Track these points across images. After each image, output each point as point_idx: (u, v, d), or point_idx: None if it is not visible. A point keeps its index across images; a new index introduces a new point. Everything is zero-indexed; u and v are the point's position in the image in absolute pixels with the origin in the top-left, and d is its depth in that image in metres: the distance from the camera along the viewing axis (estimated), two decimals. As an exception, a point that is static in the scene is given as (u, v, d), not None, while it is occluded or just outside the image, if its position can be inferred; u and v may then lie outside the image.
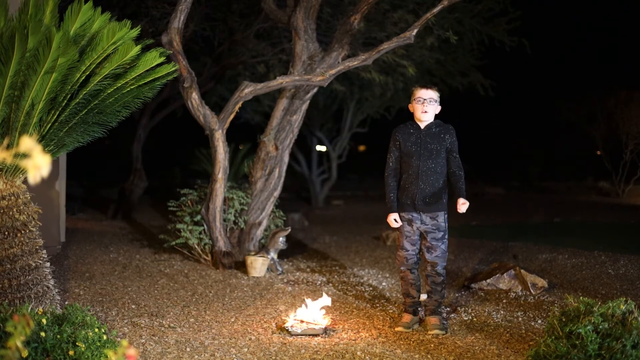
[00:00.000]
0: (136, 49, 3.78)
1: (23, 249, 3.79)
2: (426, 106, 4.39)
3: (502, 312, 4.87)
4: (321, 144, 14.85)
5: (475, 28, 9.85)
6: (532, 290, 5.34)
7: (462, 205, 4.29)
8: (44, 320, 2.81)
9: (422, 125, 4.45)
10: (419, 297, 4.56)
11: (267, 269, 6.20)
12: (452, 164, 4.42)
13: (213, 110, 6.34)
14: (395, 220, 4.43)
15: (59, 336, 2.79)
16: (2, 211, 3.73)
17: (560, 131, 20.18)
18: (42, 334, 2.75)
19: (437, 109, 4.46)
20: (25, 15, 3.58)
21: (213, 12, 9.37)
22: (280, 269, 6.21)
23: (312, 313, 4.41)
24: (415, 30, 5.88)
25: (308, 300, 4.53)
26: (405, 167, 4.44)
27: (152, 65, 3.97)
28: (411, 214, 4.41)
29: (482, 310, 4.91)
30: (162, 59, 4.00)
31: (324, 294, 4.61)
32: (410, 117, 4.54)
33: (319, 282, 5.89)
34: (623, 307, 3.04)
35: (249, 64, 10.29)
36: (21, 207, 3.83)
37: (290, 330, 4.24)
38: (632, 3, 16.75)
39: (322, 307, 4.50)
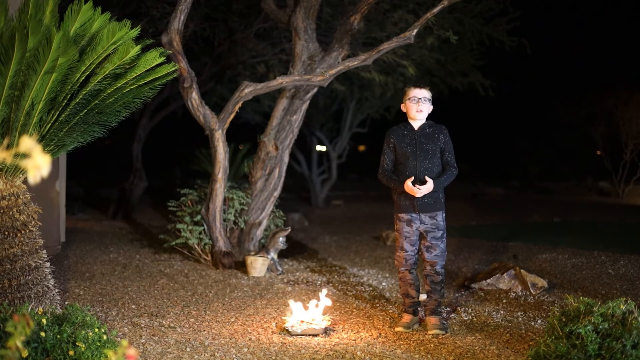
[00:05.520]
0: (136, 49, 3.78)
1: (23, 249, 3.79)
2: (421, 105, 4.40)
3: (502, 312, 4.87)
4: (321, 144, 14.84)
5: (475, 28, 9.85)
6: (532, 290, 5.34)
7: (423, 185, 4.25)
8: (44, 320, 2.81)
9: (416, 126, 4.45)
10: (418, 297, 4.56)
11: (267, 269, 6.20)
12: (446, 162, 4.42)
13: (213, 110, 6.33)
14: (410, 182, 4.29)
15: (59, 336, 2.79)
16: (2, 211, 3.73)
17: (560, 131, 20.19)
18: (42, 334, 2.75)
19: (430, 108, 4.47)
20: (25, 15, 3.58)
21: (213, 12, 9.37)
22: (280, 269, 6.21)
23: (312, 313, 4.40)
24: (415, 30, 5.88)
25: (297, 305, 4.49)
26: (401, 168, 4.43)
27: (152, 65, 3.97)
28: (410, 214, 4.41)
29: (482, 310, 4.91)
30: (162, 59, 4.01)
31: (322, 295, 4.57)
32: (405, 117, 4.54)
33: (319, 282, 5.89)
34: (623, 307, 3.04)
35: (249, 64, 10.29)
36: (21, 207, 3.83)
37: (290, 330, 4.23)
38: (631, 3, 16.75)
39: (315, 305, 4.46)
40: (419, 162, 4.37)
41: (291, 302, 4.48)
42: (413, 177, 4.32)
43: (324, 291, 4.57)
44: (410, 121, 4.48)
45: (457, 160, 4.55)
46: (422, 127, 4.45)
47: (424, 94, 4.41)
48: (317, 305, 4.43)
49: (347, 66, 6.09)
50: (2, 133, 3.68)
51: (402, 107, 4.53)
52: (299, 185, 16.41)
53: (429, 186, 4.27)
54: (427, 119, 4.52)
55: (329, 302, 4.49)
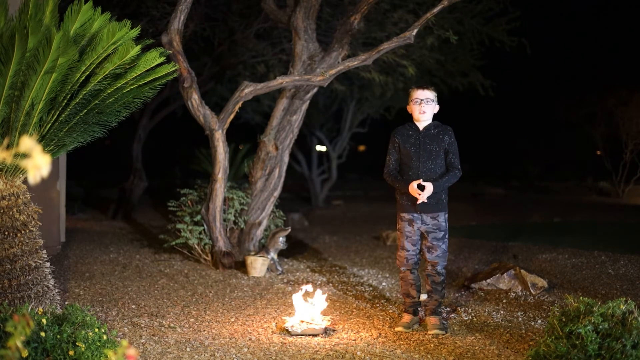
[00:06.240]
0: (136, 49, 3.78)
1: (23, 249, 3.79)
2: (423, 106, 4.40)
3: (502, 312, 4.87)
4: (321, 144, 14.85)
5: (475, 28, 9.85)
6: (532, 290, 5.34)
7: (424, 191, 4.25)
8: (44, 320, 2.81)
9: (421, 127, 4.45)
10: (418, 297, 4.56)
11: (267, 269, 6.20)
12: (449, 163, 4.42)
13: (213, 110, 6.33)
14: (416, 185, 4.30)
15: (59, 336, 2.79)
16: (2, 211, 3.73)
17: (560, 131, 20.19)
18: (42, 334, 2.75)
19: (435, 108, 4.47)
20: (25, 15, 3.58)
21: (213, 12, 9.37)
22: (280, 269, 6.20)
23: (312, 313, 4.41)
24: (415, 30, 5.88)
25: (299, 300, 4.50)
26: (405, 168, 4.44)
27: (152, 65, 3.97)
28: (412, 214, 4.41)
29: (482, 310, 4.91)
30: (162, 59, 4.00)
31: (318, 292, 4.58)
32: (410, 117, 4.55)
33: (319, 282, 5.89)
34: (623, 307, 3.04)
35: (249, 64, 10.29)
36: (21, 207, 3.83)
37: (290, 330, 4.24)
38: (631, 3, 16.75)
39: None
40: (422, 163, 4.37)
41: (294, 296, 4.50)
42: (421, 180, 4.31)
43: (319, 291, 4.58)
44: (416, 122, 4.48)
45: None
46: (427, 128, 4.45)
47: (426, 95, 4.41)
48: (312, 302, 4.45)
49: (347, 66, 6.09)
50: (2, 133, 3.68)
51: (408, 109, 4.54)
52: (299, 185, 16.41)
53: (429, 189, 4.27)
54: (434, 119, 4.52)
55: (324, 305, 4.49)
